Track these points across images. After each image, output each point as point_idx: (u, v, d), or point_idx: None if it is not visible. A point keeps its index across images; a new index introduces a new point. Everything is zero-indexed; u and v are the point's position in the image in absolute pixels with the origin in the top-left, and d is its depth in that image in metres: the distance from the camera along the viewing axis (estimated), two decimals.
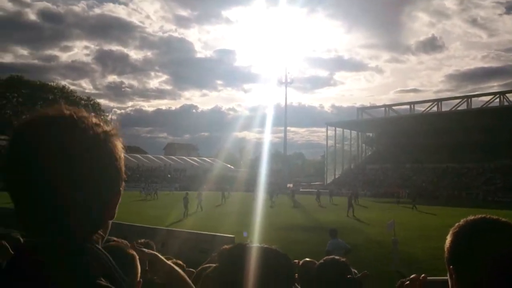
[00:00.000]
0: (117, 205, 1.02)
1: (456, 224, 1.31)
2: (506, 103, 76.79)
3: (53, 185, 0.91)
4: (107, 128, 1.02)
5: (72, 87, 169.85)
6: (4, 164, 0.94)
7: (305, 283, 2.88)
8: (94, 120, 1.02)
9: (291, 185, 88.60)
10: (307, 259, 3.46)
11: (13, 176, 0.94)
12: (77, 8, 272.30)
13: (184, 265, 5.43)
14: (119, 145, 1.04)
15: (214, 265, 2.56)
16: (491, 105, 78.36)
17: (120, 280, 0.96)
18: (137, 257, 1.95)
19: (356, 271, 5.04)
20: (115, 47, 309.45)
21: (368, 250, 16.92)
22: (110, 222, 1.05)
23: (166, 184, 76.29)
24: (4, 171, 0.94)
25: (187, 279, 1.77)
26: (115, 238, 2.62)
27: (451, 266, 1.25)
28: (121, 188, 1.04)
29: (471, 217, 1.29)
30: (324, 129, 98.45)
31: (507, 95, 78.82)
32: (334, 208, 40.72)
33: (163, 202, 41.42)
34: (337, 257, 3.08)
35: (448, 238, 1.30)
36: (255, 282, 1.35)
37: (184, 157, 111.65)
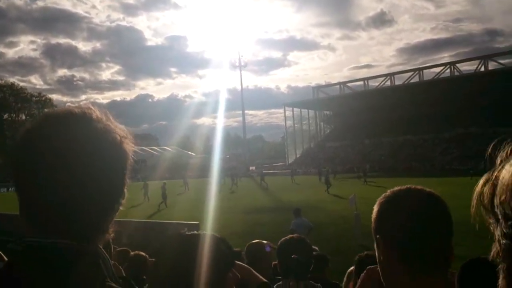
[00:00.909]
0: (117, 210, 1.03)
1: (383, 194, 1.34)
2: (456, 73, 79.00)
3: (63, 184, 0.90)
4: (121, 131, 1.04)
5: (21, 84, 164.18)
6: (13, 161, 0.94)
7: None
8: (111, 122, 1.04)
9: (253, 168, 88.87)
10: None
11: (22, 173, 0.93)
12: (19, 1, 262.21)
13: (147, 256, 5.23)
14: (130, 148, 1.04)
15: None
16: (442, 76, 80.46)
17: (117, 282, 0.96)
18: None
19: (317, 248, 4.96)
20: (62, 40, 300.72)
21: (332, 226, 17.06)
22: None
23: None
24: (13, 167, 0.94)
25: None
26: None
27: (377, 236, 1.28)
28: (123, 194, 1.04)
29: (396, 188, 1.33)
30: (282, 110, 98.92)
31: (457, 65, 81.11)
32: (297, 188, 41.05)
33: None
34: (295, 236, 3.12)
35: (375, 208, 1.32)
36: (194, 268, 1.36)
37: (143, 148, 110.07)
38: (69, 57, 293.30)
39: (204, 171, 62.86)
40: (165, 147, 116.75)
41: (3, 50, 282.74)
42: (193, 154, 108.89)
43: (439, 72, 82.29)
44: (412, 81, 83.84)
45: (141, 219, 18.86)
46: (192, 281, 1.34)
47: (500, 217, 0.60)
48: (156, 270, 1.48)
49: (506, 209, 0.58)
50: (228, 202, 27.00)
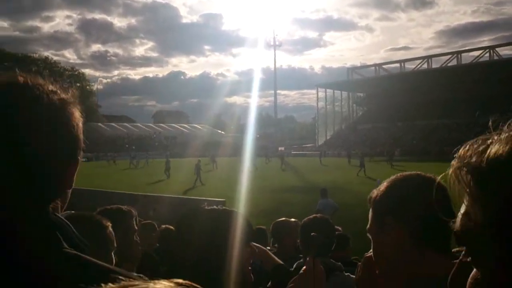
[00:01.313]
0: (75, 174, 1.02)
1: (391, 177, 1.37)
2: (496, 57, 76.61)
3: (2, 154, 0.88)
4: (64, 95, 0.99)
5: (55, 58, 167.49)
6: None
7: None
8: (51, 87, 0.98)
9: (282, 148, 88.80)
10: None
11: None
12: None
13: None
14: (76, 113, 1.01)
15: None
16: (481, 60, 78.21)
17: (85, 248, 0.96)
18: (108, 225, 2.06)
19: (340, 229, 4.88)
20: (98, 15, 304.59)
21: (359, 207, 16.83)
22: (69, 191, 1.06)
23: (157, 152, 75.83)
24: None
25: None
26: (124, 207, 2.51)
27: (388, 216, 1.30)
28: (78, 157, 1.02)
29: (406, 173, 1.39)
30: (314, 91, 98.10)
31: (496, 49, 78.60)
32: (325, 169, 40.82)
33: (153, 170, 41.08)
34: (318, 215, 3.16)
35: (383, 189, 1.35)
36: (209, 242, 1.47)
37: (174, 125, 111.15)
38: (104, 32, 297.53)
39: (235, 150, 63.07)
40: (196, 125, 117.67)
41: (39, 24, 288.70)
42: (223, 133, 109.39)
43: (477, 56, 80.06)
44: (449, 64, 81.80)
45: (171, 195, 19.07)
46: (213, 251, 1.45)
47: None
48: (178, 240, 1.58)
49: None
50: (257, 181, 27.03)
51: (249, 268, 1.61)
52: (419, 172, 1.35)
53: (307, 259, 1.54)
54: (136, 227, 2.64)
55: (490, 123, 0.67)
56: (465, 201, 0.61)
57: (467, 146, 0.65)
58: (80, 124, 1.02)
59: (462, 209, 0.62)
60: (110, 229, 2.09)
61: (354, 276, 2.52)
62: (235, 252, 1.48)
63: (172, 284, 0.41)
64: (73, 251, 0.91)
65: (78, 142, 1.01)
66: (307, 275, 1.66)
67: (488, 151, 0.59)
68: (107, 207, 4.05)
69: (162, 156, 59.68)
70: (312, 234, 2.43)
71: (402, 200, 1.28)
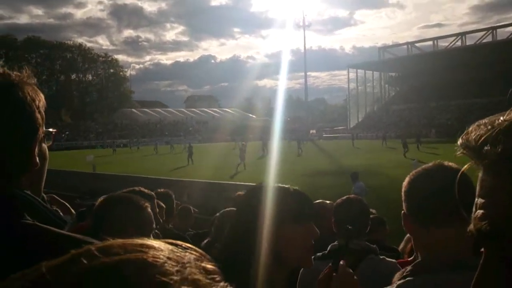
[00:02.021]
0: (35, 153, 1.02)
1: (412, 173, 1.45)
2: None
3: None
4: (13, 77, 1.00)
5: (89, 45, 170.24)
6: None
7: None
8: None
9: (314, 131, 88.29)
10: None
11: None
12: None
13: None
14: (30, 92, 1.01)
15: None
16: None
17: (61, 224, 1.00)
18: (147, 206, 2.06)
19: (374, 211, 4.85)
20: (128, 1, 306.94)
21: (390, 191, 16.65)
22: (42, 170, 1.08)
23: (190, 137, 76.55)
24: None
25: None
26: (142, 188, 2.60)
27: (403, 213, 1.42)
28: (38, 136, 1.02)
29: (427, 164, 1.45)
30: (345, 72, 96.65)
31: None
32: (358, 152, 40.46)
33: (179, 156, 41.50)
34: (351, 196, 3.09)
35: (404, 187, 1.44)
36: (270, 220, 1.42)
37: (205, 109, 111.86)
38: (135, 17, 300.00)
39: (265, 133, 63.04)
40: (226, 109, 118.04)
41: (72, 11, 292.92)
42: (254, 116, 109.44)
43: None
44: (484, 41, 79.32)
45: (204, 179, 19.26)
46: (240, 230, 1.47)
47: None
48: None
49: None
50: (290, 165, 27.04)
51: (305, 249, 1.49)
52: (440, 164, 1.41)
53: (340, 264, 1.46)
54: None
55: None
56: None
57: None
58: (37, 103, 1.01)
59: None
60: (149, 210, 2.11)
61: (390, 260, 2.51)
62: (270, 232, 1.41)
63: (168, 245, 0.42)
64: (32, 222, 0.94)
65: (34, 121, 1.00)
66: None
67: None
68: (158, 190, 4.17)
69: (194, 140, 60.35)
70: (347, 226, 2.40)
71: (407, 193, 1.41)
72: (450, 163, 1.38)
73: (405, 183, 1.44)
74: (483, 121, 0.63)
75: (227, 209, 3.57)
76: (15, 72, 1.00)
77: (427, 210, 1.32)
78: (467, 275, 0.90)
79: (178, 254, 0.40)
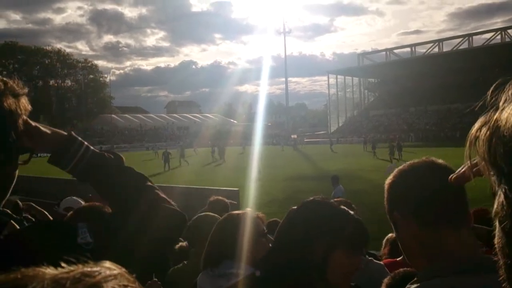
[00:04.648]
0: (12, 166, 1.02)
1: (398, 168, 1.37)
2: (508, 40, 75.48)
3: None
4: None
5: (68, 50, 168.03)
6: None
7: None
8: None
9: (295, 136, 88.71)
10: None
11: None
12: None
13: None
14: (13, 104, 0.99)
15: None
16: (492, 42, 77.15)
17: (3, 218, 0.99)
18: None
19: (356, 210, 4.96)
20: (109, 6, 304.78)
21: (370, 195, 16.81)
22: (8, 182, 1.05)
23: (171, 142, 76.20)
24: None
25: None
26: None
27: (394, 213, 1.29)
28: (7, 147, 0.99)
29: (413, 161, 1.35)
30: (325, 78, 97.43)
31: (508, 31, 77.42)
32: (337, 156, 40.79)
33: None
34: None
35: (386, 184, 1.35)
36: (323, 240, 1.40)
37: (186, 115, 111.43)
38: (115, 23, 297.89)
39: (246, 139, 63.12)
40: (208, 115, 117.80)
41: (51, 16, 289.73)
42: (235, 121, 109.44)
43: (489, 39, 78.99)
44: (461, 47, 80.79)
45: (181, 184, 19.21)
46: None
47: (504, 169, 0.51)
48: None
49: (510, 160, 0.50)
50: (269, 170, 27.12)
51: (346, 279, 1.46)
52: (425, 159, 1.35)
53: None
54: None
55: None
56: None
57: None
58: (11, 115, 0.99)
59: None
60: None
61: (377, 262, 2.55)
62: (320, 252, 1.39)
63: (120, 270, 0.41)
64: None
65: (4, 134, 0.98)
66: None
67: None
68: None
69: (175, 147, 60.06)
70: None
71: (404, 193, 1.29)
72: (439, 160, 1.32)
73: (398, 181, 1.33)
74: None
75: (201, 214, 3.58)
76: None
77: (438, 211, 1.22)
78: (488, 278, 0.91)
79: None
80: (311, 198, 1.57)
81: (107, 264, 0.42)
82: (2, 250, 0.89)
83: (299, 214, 1.53)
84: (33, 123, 1.11)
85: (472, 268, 1.14)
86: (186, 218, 1.33)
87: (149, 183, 1.28)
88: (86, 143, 1.21)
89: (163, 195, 1.27)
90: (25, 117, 1.04)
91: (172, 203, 1.26)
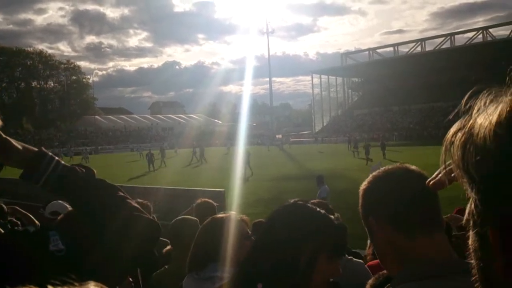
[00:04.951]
0: None
1: (372, 174, 1.36)
2: (489, 38, 76.53)
3: None
4: None
5: (50, 51, 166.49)
6: None
7: None
8: None
9: (280, 136, 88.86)
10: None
11: None
12: None
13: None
14: None
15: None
16: (474, 41, 78.15)
17: None
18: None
19: (339, 215, 4.97)
20: (90, 7, 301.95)
21: (354, 194, 16.86)
22: None
23: (155, 143, 75.79)
24: None
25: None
26: None
27: (369, 218, 1.29)
28: None
29: (388, 167, 1.36)
30: (309, 78, 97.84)
31: (490, 30, 78.56)
32: (320, 156, 40.97)
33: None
34: (315, 201, 3.07)
35: (361, 190, 1.34)
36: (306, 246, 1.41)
37: (170, 115, 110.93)
38: (97, 23, 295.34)
39: (230, 139, 63.05)
40: (192, 115, 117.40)
41: (32, 17, 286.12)
42: (219, 122, 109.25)
43: (471, 38, 79.97)
44: (443, 46, 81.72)
45: (166, 186, 19.11)
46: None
47: (475, 177, 0.52)
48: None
49: (483, 169, 0.50)
50: (254, 170, 27.14)
51: (323, 285, 1.44)
52: (399, 165, 1.35)
53: None
54: None
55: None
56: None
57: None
58: None
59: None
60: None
61: (357, 260, 2.57)
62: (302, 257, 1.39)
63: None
64: None
65: None
66: None
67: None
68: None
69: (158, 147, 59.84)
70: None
71: (378, 199, 1.29)
72: (413, 166, 1.32)
73: (372, 187, 1.33)
74: None
75: (182, 216, 3.57)
76: None
77: (414, 217, 1.22)
78: (462, 281, 0.92)
79: None
80: (292, 201, 1.56)
81: (92, 285, 0.40)
82: None
83: (282, 217, 1.51)
84: (4, 136, 1.12)
85: (447, 272, 1.14)
86: (160, 228, 1.35)
87: (121, 193, 1.28)
88: (56, 158, 1.22)
89: (135, 204, 1.27)
90: None
91: (144, 212, 1.26)
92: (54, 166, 1.19)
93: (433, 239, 1.22)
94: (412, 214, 1.22)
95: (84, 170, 1.26)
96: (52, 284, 0.39)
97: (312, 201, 3.08)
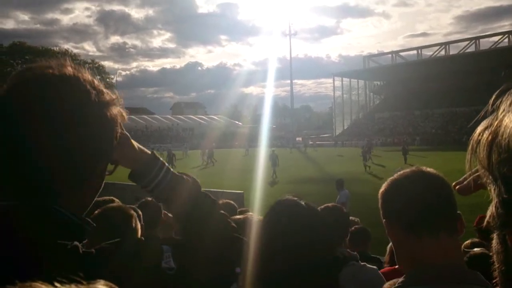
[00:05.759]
0: (103, 176, 1.00)
1: (389, 178, 1.39)
2: None
3: (34, 142, 0.87)
4: (109, 97, 0.98)
5: (75, 51, 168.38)
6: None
7: None
8: (97, 84, 0.98)
9: (300, 139, 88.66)
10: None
11: None
12: None
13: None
14: (118, 115, 0.99)
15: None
16: (500, 45, 76.88)
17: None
18: (134, 215, 2.12)
19: (357, 220, 4.94)
20: (116, 7, 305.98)
21: (375, 198, 16.76)
22: (96, 190, 1.02)
23: (176, 144, 76.33)
24: None
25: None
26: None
27: (384, 220, 1.35)
28: (106, 158, 0.99)
29: (405, 170, 1.38)
30: (331, 80, 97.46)
31: None
32: (340, 160, 40.73)
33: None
34: (330, 205, 3.19)
35: (380, 193, 1.39)
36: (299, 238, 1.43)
37: (191, 116, 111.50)
38: (122, 24, 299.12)
39: (251, 141, 63.08)
40: (213, 116, 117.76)
41: (59, 16, 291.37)
42: (240, 123, 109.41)
43: (496, 42, 78.76)
44: (468, 50, 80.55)
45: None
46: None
47: (497, 178, 0.52)
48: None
49: (507, 170, 0.49)
50: (276, 173, 27.11)
51: None
52: (416, 168, 1.37)
53: None
54: None
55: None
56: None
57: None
58: (118, 128, 1.00)
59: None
60: (134, 220, 2.20)
61: (370, 266, 2.57)
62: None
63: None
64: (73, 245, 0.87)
65: (112, 144, 0.99)
66: None
67: None
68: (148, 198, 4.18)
69: (180, 147, 60.20)
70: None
71: (391, 201, 1.35)
72: (430, 169, 1.35)
73: (387, 189, 1.38)
74: None
75: None
76: (108, 92, 0.97)
77: (421, 218, 1.25)
78: None
79: None
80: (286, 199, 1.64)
81: (101, 284, 0.41)
82: (89, 263, 0.83)
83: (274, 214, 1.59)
84: (125, 132, 1.08)
85: (450, 278, 1.17)
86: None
87: (222, 212, 1.27)
88: (167, 164, 1.20)
89: (232, 224, 1.26)
90: (121, 129, 1.03)
91: (236, 229, 1.25)
92: (164, 173, 1.17)
93: (440, 242, 1.24)
94: (419, 216, 1.25)
95: (190, 181, 1.24)
96: (59, 282, 0.41)
97: (326, 204, 3.10)
